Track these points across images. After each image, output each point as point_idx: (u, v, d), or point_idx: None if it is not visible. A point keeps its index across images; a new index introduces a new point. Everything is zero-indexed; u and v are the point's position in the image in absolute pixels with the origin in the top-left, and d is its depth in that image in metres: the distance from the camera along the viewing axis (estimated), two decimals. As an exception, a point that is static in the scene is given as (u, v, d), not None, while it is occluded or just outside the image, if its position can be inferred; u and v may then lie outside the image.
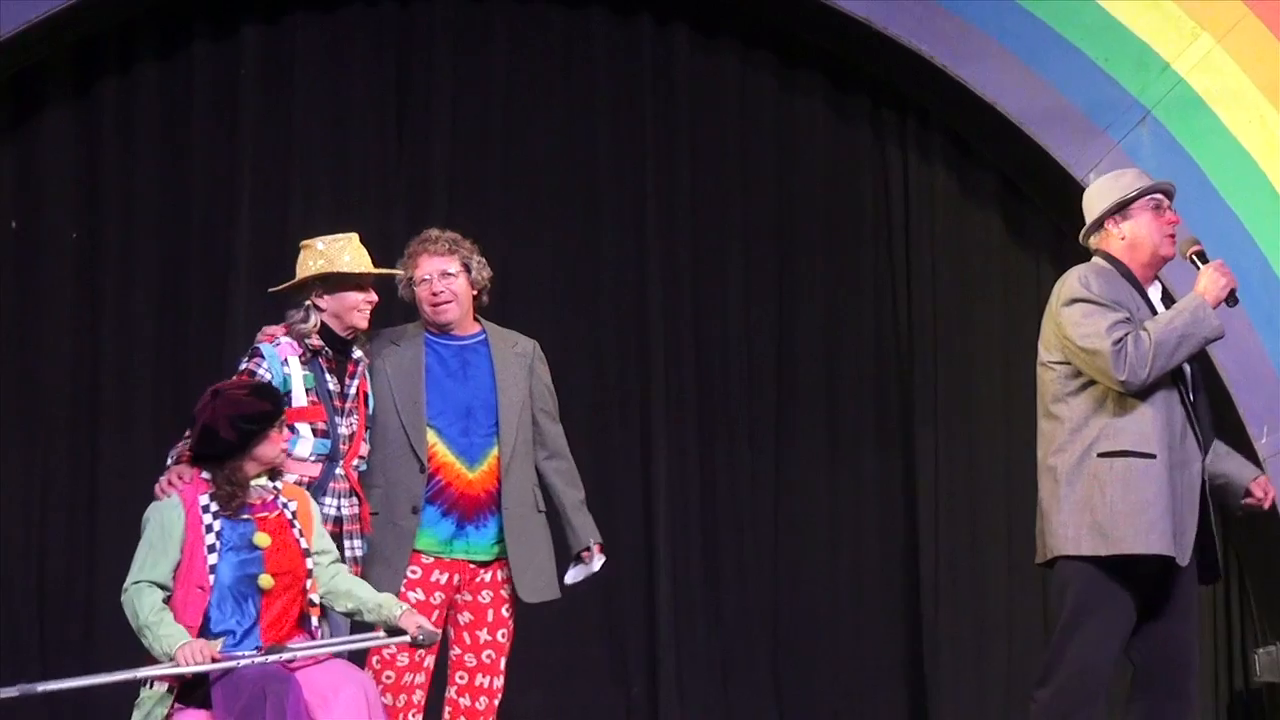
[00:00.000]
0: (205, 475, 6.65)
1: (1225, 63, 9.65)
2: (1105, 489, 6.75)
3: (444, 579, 7.27)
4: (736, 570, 10.10)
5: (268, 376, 7.04)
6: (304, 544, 6.81)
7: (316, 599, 6.84)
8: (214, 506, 6.64)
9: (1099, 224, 7.01)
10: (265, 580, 6.64)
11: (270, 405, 6.77)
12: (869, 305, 10.27)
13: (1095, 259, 7.03)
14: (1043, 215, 9.95)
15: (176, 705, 6.53)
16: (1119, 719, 7.08)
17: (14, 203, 9.72)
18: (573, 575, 7.54)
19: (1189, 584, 6.87)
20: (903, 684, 10.09)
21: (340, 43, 9.98)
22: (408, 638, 6.86)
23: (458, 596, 7.34)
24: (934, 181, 10.24)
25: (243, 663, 6.49)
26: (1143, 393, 6.73)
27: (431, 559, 7.25)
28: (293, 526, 6.80)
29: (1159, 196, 6.95)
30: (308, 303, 7.14)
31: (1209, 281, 6.81)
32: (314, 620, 6.86)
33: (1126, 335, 6.71)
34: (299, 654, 6.59)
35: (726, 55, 10.21)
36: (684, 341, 10.13)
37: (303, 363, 7.10)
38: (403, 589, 7.19)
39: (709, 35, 10.17)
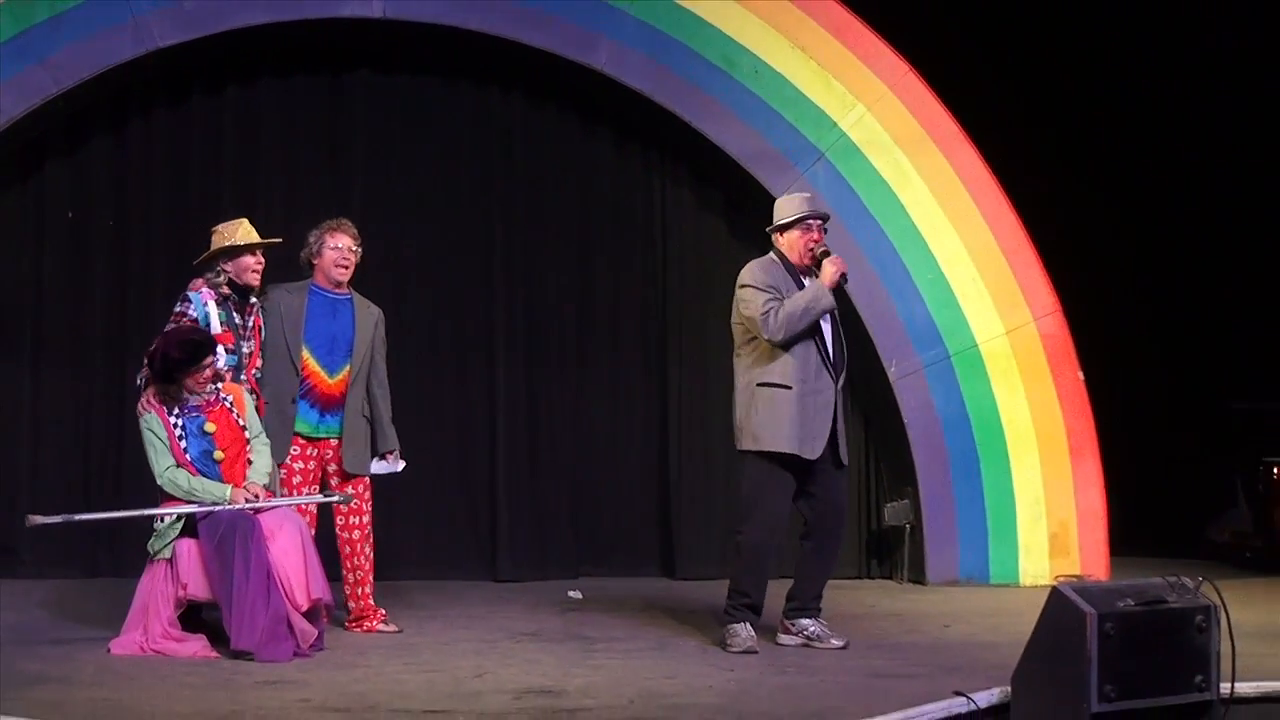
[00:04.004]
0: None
1: (873, 123, 10.16)
2: (758, 408, 7.31)
3: (314, 453, 7.77)
4: (549, 452, 10.50)
5: (192, 314, 7.44)
6: (242, 423, 7.31)
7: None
8: (174, 410, 7.17)
9: (776, 229, 7.53)
10: (218, 454, 7.18)
11: (203, 338, 7.25)
12: (638, 281, 10.69)
13: (771, 252, 7.54)
14: (753, 221, 9.23)
15: (185, 538, 7.04)
16: (797, 551, 7.63)
17: (69, 200, 10.09)
18: (376, 468, 7.95)
19: (834, 468, 7.42)
20: (656, 527, 10.58)
21: (293, 99, 10.36)
22: (336, 498, 7.69)
23: (328, 467, 7.82)
24: (682, 199, 10.63)
25: (274, 503, 7.15)
26: (786, 345, 7.27)
27: (306, 440, 7.76)
28: (232, 413, 7.27)
29: (810, 221, 7.47)
30: (218, 266, 7.59)
31: (825, 271, 7.35)
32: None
33: (771, 309, 7.26)
34: (263, 506, 7.10)
35: (547, 113, 10.53)
36: (516, 302, 10.47)
37: (218, 305, 7.52)
38: (289, 460, 7.68)
39: (535, 100, 10.49)
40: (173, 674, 6.54)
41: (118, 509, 7.91)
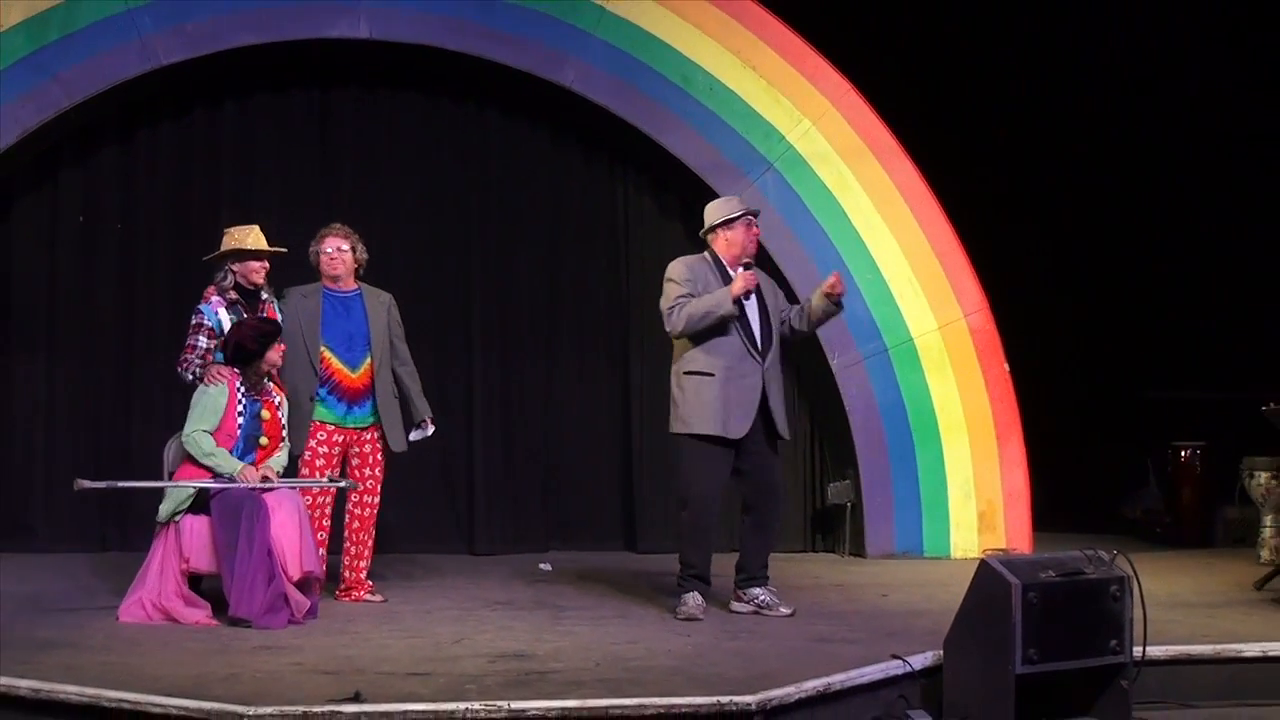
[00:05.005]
0: (238, 371, 7.26)
1: (818, 137, 10.10)
2: (685, 394, 7.32)
3: (339, 439, 7.77)
4: (522, 436, 10.45)
5: (208, 323, 7.41)
6: (282, 420, 7.44)
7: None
8: (243, 389, 7.24)
9: (713, 229, 7.48)
10: (264, 439, 7.30)
11: (272, 328, 7.39)
12: (604, 278, 10.62)
13: (705, 251, 7.50)
14: (707, 226, 10.09)
15: (189, 514, 7.10)
16: (737, 528, 7.76)
17: (81, 205, 10.06)
18: (414, 435, 8.01)
19: (767, 447, 7.39)
20: (620, 504, 10.56)
21: (286, 112, 10.33)
22: (341, 483, 7.65)
23: (350, 450, 7.82)
24: (643, 204, 10.58)
25: (278, 484, 7.20)
26: (701, 337, 7.26)
27: (333, 428, 7.76)
28: (279, 411, 7.41)
29: (750, 217, 7.49)
30: (226, 268, 7.57)
31: (736, 282, 7.28)
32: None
33: (677, 305, 7.26)
34: (273, 486, 7.17)
35: (520, 125, 10.46)
36: (491, 299, 10.43)
37: (227, 310, 7.47)
38: (314, 444, 7.71)
39: (509, 114, 10.42)
40: (176, 640, 6.55)
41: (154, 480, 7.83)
